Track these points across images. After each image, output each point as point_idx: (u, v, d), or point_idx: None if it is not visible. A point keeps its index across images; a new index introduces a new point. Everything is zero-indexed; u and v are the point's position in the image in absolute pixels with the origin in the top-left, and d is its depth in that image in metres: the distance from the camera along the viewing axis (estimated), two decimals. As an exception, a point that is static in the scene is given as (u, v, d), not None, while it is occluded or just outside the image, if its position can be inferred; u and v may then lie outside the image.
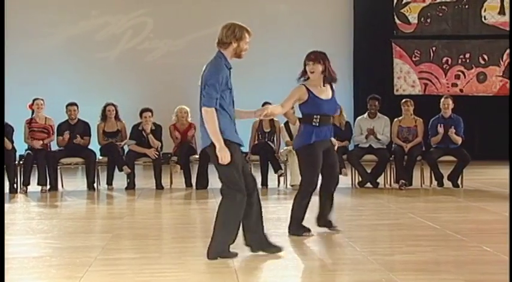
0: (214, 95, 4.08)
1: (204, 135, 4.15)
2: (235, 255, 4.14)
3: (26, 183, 7.92)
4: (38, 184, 7.96)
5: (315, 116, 4.79)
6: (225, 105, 4.13)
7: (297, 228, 4.86)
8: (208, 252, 4.13)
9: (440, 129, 8.10)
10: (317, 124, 4.79)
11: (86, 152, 8.18)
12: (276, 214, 6.21)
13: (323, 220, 5.03)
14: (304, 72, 4.88)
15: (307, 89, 4.82)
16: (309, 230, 4.87)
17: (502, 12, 12.82)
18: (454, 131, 8.08)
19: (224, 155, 4.01)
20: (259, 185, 8.12)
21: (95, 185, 8.18)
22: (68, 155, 8.21)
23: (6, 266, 4.02)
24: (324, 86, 4.86)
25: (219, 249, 4.11)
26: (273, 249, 4.25)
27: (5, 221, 5.78)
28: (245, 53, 4.28)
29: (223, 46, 4.22)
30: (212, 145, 4.07)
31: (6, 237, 5.03)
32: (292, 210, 4.91)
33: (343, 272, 3.92)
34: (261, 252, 4.25)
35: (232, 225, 4.11)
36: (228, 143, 4.06)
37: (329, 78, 4.85)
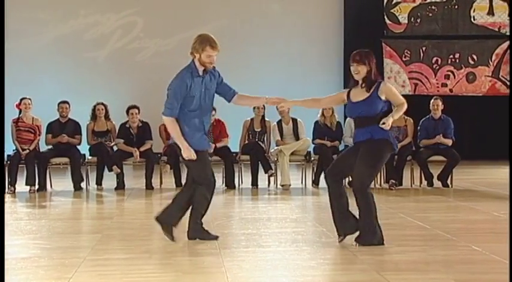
0: (174, 105, 4.55)
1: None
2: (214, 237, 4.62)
3: (14, 183, 7.87)
4: (27, 184, 7.92)
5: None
6: (187, 114, 4.57)
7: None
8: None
9: (436, 139, 8.13)
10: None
11: (71, 152, 8.13)
12: (266, 214, 6.21)
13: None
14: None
15: (348, 93, 4.68)
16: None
17: (490, 12, 12.91)
18: (440, 136, 8.10)
19: (188, 154, 4.56)
20: (249, 185, 8.19)
21: (83, 184, 8.14)
22: (56, 155, 8.18)
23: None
24: (362, 87, 4.58)
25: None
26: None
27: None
28: (210, 65, 4.64)
29: (192, 55, 4.72)
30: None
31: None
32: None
33: (333, 272, 3.93)
34: (251, 250, 4.25)
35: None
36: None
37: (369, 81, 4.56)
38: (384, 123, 4.39)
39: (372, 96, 4.52)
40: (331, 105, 6.92)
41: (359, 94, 4.58)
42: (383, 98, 4.55)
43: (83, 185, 8.16)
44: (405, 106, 4.60)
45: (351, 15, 12.78)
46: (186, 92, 4.56)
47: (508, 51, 12.87)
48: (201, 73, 4.63)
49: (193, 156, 4.56)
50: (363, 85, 4.56)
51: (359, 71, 4.52)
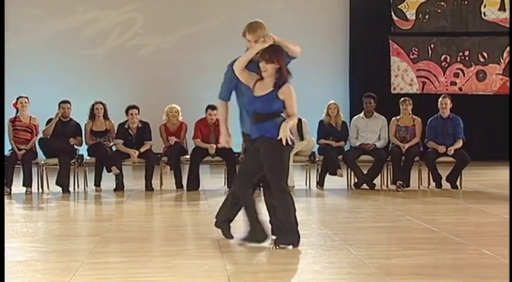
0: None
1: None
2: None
3: (10, 184, 7.88)
4: (23, 185, 7.94)
5: None
6: None
7: None
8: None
9: (440, 149, 8.08)
10: None
11: (62, 152, 8.10)
12: (269, 216, 6.20)
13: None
14: None
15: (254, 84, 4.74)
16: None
17: (502, 8, 12.87)
18: (451, 150, 8.05)
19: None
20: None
21: (74, 188, 8.13)
22: (50, 156, 8.17)
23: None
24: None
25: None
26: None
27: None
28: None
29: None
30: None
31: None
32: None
33: (338, 276, 3.93)
34: (253, 254, 4.26)
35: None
36: None
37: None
38: (280, 139, 4.46)
39: (270, 94, 4.56)
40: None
41: (263, 89, 4.60)
42: (281, 98, 4.57)
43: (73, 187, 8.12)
44: (295, 120, 4.64)
45: (357, 12, 12.77)
46: None
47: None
48: None
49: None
50: (269, 80, 4.58)
51: (267, 69, 4.55)
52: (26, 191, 7.92)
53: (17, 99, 8.28)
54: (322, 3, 12.87)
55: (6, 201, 7.45)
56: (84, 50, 12.55)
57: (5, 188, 7.85)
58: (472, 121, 10.87)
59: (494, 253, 4.37)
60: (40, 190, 8.13)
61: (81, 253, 4.50)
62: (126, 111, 8.35)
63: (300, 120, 8.45)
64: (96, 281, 3.79)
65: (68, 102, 8.38)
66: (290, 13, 12.55)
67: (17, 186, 7.96)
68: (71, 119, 8.40)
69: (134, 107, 8.38)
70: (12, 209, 6.97)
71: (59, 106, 8.35)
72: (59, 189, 8.05)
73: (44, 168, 8.25)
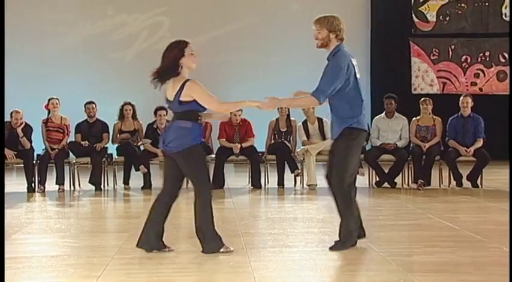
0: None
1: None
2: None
3: (43, 182, 8.00)
4: (56, 183, 8.04)
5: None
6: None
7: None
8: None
9: (462, 151, 8.00)
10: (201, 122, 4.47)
11: (93, 152, 8.16)
12: (292, 214, 6.20)
13: None
14: None
15: None
16: None
17: (522, 9, 12.67)
18: (471, 151, 7.96)
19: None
20: (275, 185, 8.18)
21: (104, 186, 8.20)
22: (82, 154, 8.26)
23: (24, 265, 4.07)
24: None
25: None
26: None
27: (23, 220, 5.85)
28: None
29: (337, 37, 4.64)
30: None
31: (23, 236, 5.09)
32: None
33: (361, 272, 3.91)
34: (277, 250, 4.25)
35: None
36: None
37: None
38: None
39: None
40: None
41: None
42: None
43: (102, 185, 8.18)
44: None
45: (378, 13, 12.67)
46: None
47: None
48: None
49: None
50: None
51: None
52: (59, 188, 8.02)
53: (48, 100, 8.40)
54: (344, 6, 12.78)
55: (40, 198, 7.57)
56: (113, 53, 12.68)
57: (39, 185, 7.97)
58: (492, 121, 10.71)
59: (515, 251, 4.30)
60: (72, 188, 8.22)
61: (111, 249, 4.54)
62: (155, 112, 8.40)
63: (321, 120, 8.44)
64: (125, 276, 3.82)
65: (93, 102, 8.47)
66: (312, 15, 12.45)
67: (50, 185, 8.07)
68: (97, 119, 8.48)
69: (163, 108, 8.41)
70: (46, 206, 7.07)
71: (85, 107, 8.45)
72: (90, 186, 8.14)
73: (76, 167, 8.35)
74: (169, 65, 4.44)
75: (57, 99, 8.39)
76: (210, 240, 4.35)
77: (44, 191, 7.93)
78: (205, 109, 4.37)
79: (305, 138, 8.36)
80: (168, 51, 4.50)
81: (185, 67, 4.44)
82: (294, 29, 12.34)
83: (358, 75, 4.56)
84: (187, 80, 4.38)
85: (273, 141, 8.54)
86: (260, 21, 12.53)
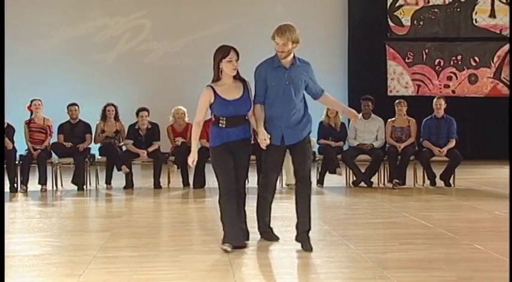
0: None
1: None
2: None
3: (26, 182, 7.91)
4: (39, 183, 7.95)
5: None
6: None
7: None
8: None
9: (436, 151, 8.07)
10: (223, 125, 4.41)
11: (76, 153, 8.10)
12: (271, 213, 6.19)
13: None
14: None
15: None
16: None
17: (492, 15, 12.87)
18: (444, 151, 8.05)
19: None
20: (254, 184, 8.17)
21: (86, 185, 8.13)
22: (64, 155, 8.19)
23: (6, 264, 4.01)
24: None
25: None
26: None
27: (5, 220, 5.77)
28: (280, 54, 4.49)
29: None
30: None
31: (6, 235, 5.02)
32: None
33: (337, 270, 3.92)
34: (257, 249, 4.25)
35: None
36: None
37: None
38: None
39: (244, 95, 4.44)
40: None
41: (233, 92, 4.42)
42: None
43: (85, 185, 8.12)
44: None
45: (355, 18, 12.75)
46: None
47: (509, 53, 12.82)
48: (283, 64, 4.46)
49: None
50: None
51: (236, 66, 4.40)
52: (41, 188, 7.94)
53: (31, 102, 8.31)
54: (323, 9, 12.85)
55: (22, 198, 7.47)
56: (96, 55, 12.57)
57: (21, 185, 7.88)
58: (464, 122, 10.87)
59: (486, 248, 4.36)
60: (54, 188, 8.14)
61: (93, 248, 4.51)
62: (137, 113, 8.36)
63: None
64: (107, 275, 3.79)
65: (76, 104, 8.43)
66: (291, 17, 12.39)
67: (33, 184, 7.98)
68: (80, 120, 8.42)
69: (144, 109, 8.40)
70: (28, 206, 6.98)
71: (67, 109, 8.39)
72: (73, 186, 8.07)
73: (58, 167, 8.27)
74: (213, 68, 4.47)
75: (39, 100, 8.32)
76: (226, 232, 4.38)
77: (26, 191, 7.84)
78: (224, 112, 4.38)
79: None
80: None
81: (224, 72, 4.43)
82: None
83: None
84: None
85: (252, 142, 8.52)
86: (243, 24, 12.53)
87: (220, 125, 4.40)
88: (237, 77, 4.48)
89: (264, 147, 4.47)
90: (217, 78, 4.44)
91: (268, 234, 4.69)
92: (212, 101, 4.39)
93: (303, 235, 4.41)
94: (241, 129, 4.44)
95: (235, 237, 4.33)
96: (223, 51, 4.42)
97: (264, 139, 4.41)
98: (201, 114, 4.47)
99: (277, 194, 7.75)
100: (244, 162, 4.52)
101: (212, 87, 4.42)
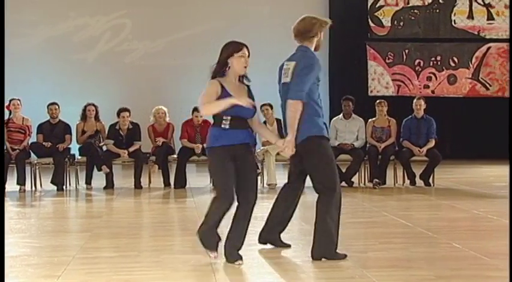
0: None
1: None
2: (343, 256, 4.03)
3: (3, 182, 7.80)
4: (17, 184, 7.86)
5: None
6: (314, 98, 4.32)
7: None
8: (312, 253, 4.05)
9: (415, 151, 8.13)
10: (227, 126, 3.96)
11: (55, 153, 8.02)
12: (252, 213, 6.19)
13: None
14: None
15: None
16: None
17: (470, 16, 13.03)
18: (423, 151, 8.11)
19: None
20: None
21: (66, 186, 8.06)
22: (44, 155, 8.10)
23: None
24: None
25: (323, 250, 4.04)
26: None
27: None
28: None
29: (310, 40, 4.55)
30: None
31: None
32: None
33: (317, 269, 3.93)
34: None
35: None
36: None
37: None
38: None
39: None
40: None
41: (239, 91, 4.03)
42: None
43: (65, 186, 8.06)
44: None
45: (335, 18, 12.57)
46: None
47: (487, 54, 12.99)
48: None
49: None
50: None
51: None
52: (20, 189, 7.85)
53: (10, 101, 8.22)
54: (304, 9, 12.78)
55: (0, 199, 7.38)
56: (76, 54, 12.47)
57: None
58: (443, 122, 10.97)
59: (464, 246, 4.40)
60: (33, 188, 8.05)
61: (73, 248, 4.46)
62: (118, 114, 8.31)
63: (279, 121, 8.45)
64: (87, 275, 3.76)
65: (56, 104, 8.35)
66: (273, 17, 12.55)
67: (11, 185, 7.88)
68: (59, 120, 8.34)
69: (126, 109, 8.34)
70: (6, 207, 6.88)
71: (48, 108, 8.31)
72: (52, 187, 7.99)
73: (37, 167, 8.18)
74: (217, 63, 4.05)
75: (18, 100, 8.22)
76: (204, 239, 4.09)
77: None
78: (230, 110, 3.91)
79: (264, 138, 8.38)
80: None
81: (232, 69, 4.04)
82: (257, 31, 12.36)
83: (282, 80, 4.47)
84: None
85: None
86: (222, 25, 12.50)
87: (223, 125, 3.93)
88: (241, 80, 4.09)
89: (288, 156, 4.24)
90: (221, 74, 4.00)
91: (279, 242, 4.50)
92: (219, 93, 3.93)
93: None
94: (246, 132, 4.02)
95: (209, 246, 4.08)
96: (234, 46, 4.05)
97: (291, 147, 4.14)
98: (204, 98, 3.92)
99: (258, 195, 7.76)
100: (252, 166, 4.12)
101: (219, 81, 3.99)
